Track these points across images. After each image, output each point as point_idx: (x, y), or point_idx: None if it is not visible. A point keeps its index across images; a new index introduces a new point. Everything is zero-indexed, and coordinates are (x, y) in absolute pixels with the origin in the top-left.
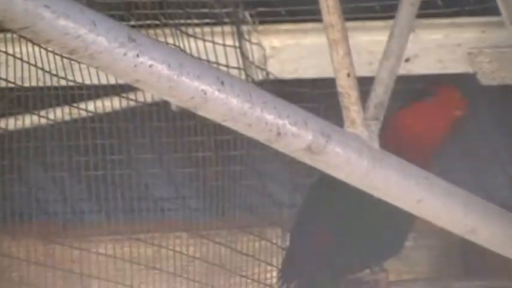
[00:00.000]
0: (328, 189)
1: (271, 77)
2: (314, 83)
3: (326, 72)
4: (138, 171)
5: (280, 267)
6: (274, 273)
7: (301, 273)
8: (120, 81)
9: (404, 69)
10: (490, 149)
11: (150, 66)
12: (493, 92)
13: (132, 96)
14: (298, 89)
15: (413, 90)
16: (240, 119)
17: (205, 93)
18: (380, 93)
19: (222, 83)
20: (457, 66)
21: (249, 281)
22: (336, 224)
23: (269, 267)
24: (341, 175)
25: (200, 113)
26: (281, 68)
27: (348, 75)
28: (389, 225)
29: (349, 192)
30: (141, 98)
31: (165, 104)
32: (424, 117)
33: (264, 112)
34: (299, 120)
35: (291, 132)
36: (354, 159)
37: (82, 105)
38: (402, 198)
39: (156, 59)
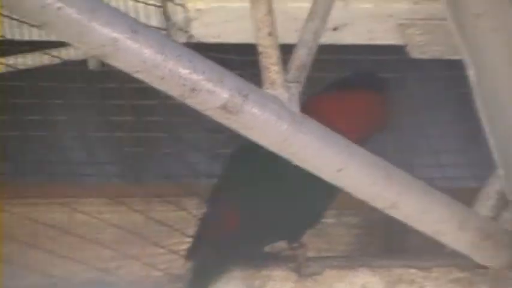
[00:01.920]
0: (244, 160)
1: (194, 40)
2: (239, 48)
3: (251, 37)
4: (54, 132)
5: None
6: None
7: (209, 249)
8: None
9: (332, 39)
10: (417, 127)
11: (59, 8)
12: (422, 66)
13: (54, 53)
14: (223, 54)
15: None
16: (152, 71)
17: (116, 41)
18: (303, 55)
19: (135, 31)
20: (387, 38)
21: (163, 251)
22: (251, 197)
23: (185, 238)
24: (258, 138)
25: (111, 62)
26: (205, 32)
27: (270, 34)
28: (307, 197)
29: (265, 163)
30: (64, 56)
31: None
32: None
33: (178, 65)
34: (215, 76)
35: (206, 89)
36: (272, 122)
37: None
38: (322, 167)
39: (66, 1)
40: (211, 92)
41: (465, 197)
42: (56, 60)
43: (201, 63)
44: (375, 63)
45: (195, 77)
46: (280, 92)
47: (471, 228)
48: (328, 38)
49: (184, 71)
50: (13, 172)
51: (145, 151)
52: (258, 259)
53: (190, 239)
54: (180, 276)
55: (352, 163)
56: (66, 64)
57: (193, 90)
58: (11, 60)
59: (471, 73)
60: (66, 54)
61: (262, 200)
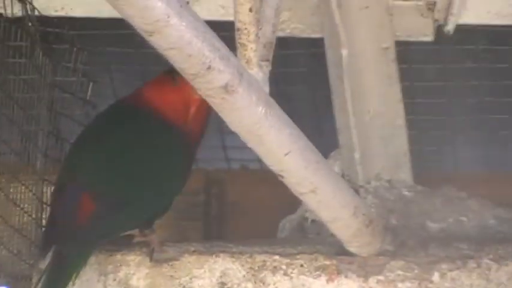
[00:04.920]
0: (93, 143)
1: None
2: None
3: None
4: None
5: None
6: None
7: (64, 236)
8: None
9: None
10: None
11: None
12: None
13: None
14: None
15: None
16: (185, 48)
17: (168, 17)
18: (268, 32)
19: (182, 6)
20: None
21: None
22: (101, 184)
23: None
24: (236, 120)
25: (154, 38)
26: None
27: (250, 9)
28: (160, 185)
29: (115, 148)
30: None
31: None
32: (168, 96)
33: (205, 43)
34: (225, 55)
35: (218, 68)
36: (253, 103)
37: None
38: (274, 150)
39: None
40: (221, 71)
41: None
42: None
43: (217, 41)
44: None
45: (213, 55)
46: (256, 71)
47: (360, 214)
48: None
49: (207, 49)
50: None
51: None
52: (111, 244)
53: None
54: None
55: (297, 146)
56: None
57: (209, 68)
58: None
59: (344, 53)
60: None
61: (114, 185)
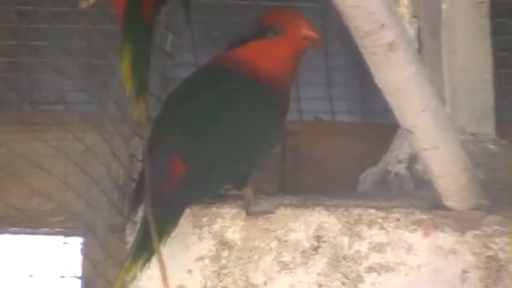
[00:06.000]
0: (182, 105)
1: None
2: None
3: None
4: None
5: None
6: None
7: (154, 199)
8: None
9: None
10: None
11: None
12: None
13: None
14: None
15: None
16: (368, 6)
17: None
18: None
19: None
20: None
21: None
22: (192, 146)
23: None
24: (388, 77)
25: None
26: None
27: None
28: (253, 144)
29: (208, 109)
30: None
31: None
32: (270, 55)
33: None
34: (393, 12)
35: (389, 25)
36: (408, 60)
37: None
38: (413, 106)
39: None
40: (390, 29)
41: None
42: None
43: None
44: None
45: (386, 12)
46: (408, 28)
47: (468, 169)
48: None
49: (383, 7)
50: None
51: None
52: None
53: None
54: None
55: (431, 103)
56: None
57: (382, 26)
58: None
59: (444, 7)
60: None
61: (208, 146)
